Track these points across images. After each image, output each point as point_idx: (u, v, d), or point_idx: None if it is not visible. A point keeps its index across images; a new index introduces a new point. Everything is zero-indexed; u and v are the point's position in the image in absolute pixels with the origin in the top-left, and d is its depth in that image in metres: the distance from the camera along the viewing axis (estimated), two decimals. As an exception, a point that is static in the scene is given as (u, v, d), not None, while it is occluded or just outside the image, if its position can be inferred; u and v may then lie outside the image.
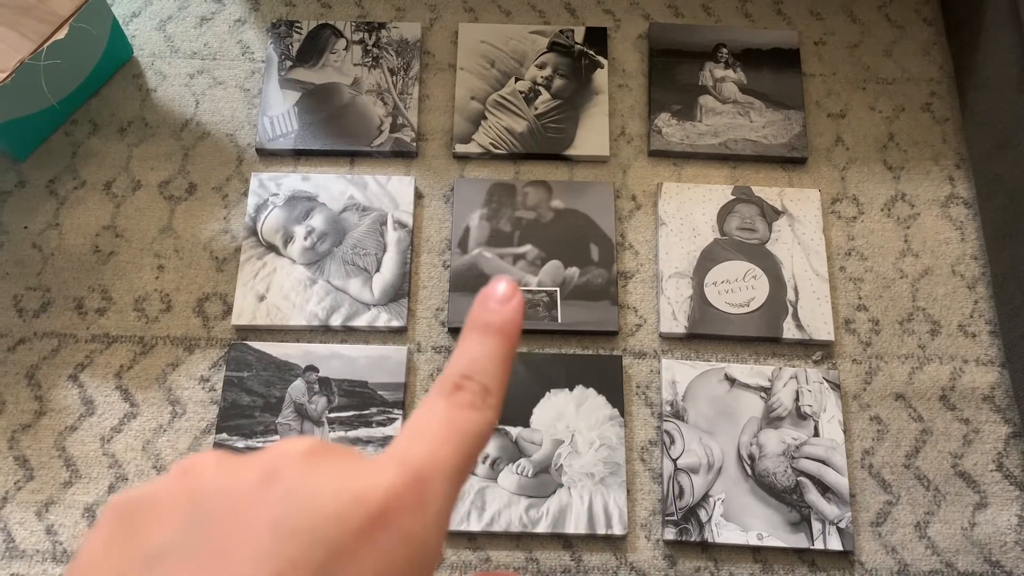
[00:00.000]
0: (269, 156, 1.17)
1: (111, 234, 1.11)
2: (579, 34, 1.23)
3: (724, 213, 1.13)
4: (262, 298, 1.07)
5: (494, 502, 0.98)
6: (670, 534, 0.97)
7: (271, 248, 1.09)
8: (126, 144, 1.17)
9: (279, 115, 1.17)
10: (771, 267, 1.10)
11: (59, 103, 1.13)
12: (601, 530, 0.97)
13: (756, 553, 0.98)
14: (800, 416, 1.02)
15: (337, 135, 1.16)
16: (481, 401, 0.28)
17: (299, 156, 1.17)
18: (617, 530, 0.97)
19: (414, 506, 0.25)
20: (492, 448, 1.00)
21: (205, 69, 1.22)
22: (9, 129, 1.08)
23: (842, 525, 0.98)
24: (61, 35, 1.04)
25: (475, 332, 0.30)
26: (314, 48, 1.21)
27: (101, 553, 0.25)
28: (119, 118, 1.18)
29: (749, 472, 1.00)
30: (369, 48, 1.21)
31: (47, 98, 1.10)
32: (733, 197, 1.14)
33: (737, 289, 1.09)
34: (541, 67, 1.21)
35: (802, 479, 0.99)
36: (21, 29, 1.03)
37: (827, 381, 1.04)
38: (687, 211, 1.13)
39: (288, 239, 1.10)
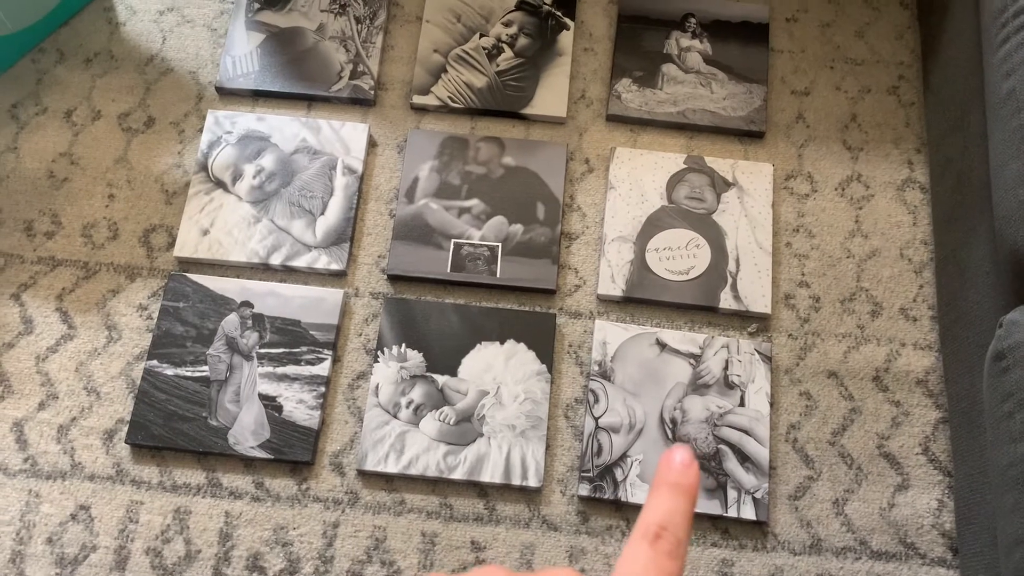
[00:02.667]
0: (228, 95, 1.18)
1: (67, 161, 1.13)
2: (548, -6, 1.23)
3: (674, 181, 1.12)
4: (206, 232, 1.08)
5: (413, 446, 0.98)
6: (584, 490, 0.97)
7: (220, 184, 1.11)
8: (90, 75, 1.18)
9: (241, 55, 1.18)
10: (715, 237, 1.09)
11: (24, 31, 1.14)
12: (516, 481, 0.97)
13: (670, 517, 0.98)
14: (728, 385, 1.02)
15: (297, 78, 1.17)
16: (676, 551, 0.33)
17: (258, 97, 1.17)
18: (532, 482, 0.97)
19: None
20: (417, 394, 1.01)
21: (176, 7, 1.23)
22: (-28, 50, 1.10)
23: (758, 495, 0.97)
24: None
25: (666, 488, 0.35)
26: (283, -8, 1.22)
27: None
28: (86, 49, 1.20)
29: (670, 436, 1.00)
30: (337, -5, 1.22)
31: (5, 25, 1.11)
32: (685, 166, 1.13)
33: (679, 256, 1.08)
34: (507, 25, 1.21)
35: (722, 447, 0.99)
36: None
37: (759, 353, 1.04)
38: (637, 176, 1.12)
39: (237, 176, 1.11)
